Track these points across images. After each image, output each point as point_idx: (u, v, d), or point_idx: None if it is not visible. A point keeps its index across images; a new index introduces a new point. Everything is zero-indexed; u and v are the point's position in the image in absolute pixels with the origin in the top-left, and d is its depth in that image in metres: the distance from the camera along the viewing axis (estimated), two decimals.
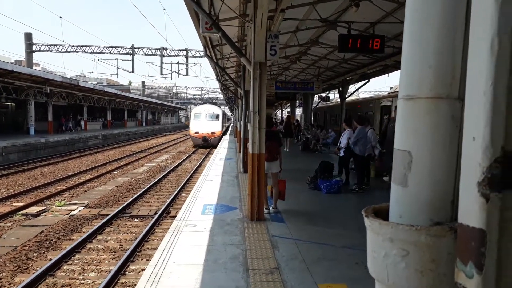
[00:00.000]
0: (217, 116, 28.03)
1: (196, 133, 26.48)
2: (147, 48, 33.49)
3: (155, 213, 8.56)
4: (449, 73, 0.67)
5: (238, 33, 9.03)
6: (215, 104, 34.24)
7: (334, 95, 40.62)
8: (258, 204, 6.03)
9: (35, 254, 6.24)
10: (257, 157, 5.95)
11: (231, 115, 51.58)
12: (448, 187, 0.68)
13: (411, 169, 0.70)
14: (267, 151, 6.12)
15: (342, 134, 9.22)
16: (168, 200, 9.67)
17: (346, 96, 18.93)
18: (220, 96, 52.20)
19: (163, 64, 33.78)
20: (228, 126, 51.22)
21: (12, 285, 5.22)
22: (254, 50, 5.74)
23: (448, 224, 0.66)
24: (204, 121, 27.14)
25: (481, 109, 0.56)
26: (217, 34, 5.92)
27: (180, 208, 7.13)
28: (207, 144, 25.65)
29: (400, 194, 0.73)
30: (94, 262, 5.97)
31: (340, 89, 18.90)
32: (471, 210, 0.57)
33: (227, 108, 52.94)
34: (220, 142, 24.56)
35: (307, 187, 8.76)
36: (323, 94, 25.08)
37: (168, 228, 5.92)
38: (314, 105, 25.64)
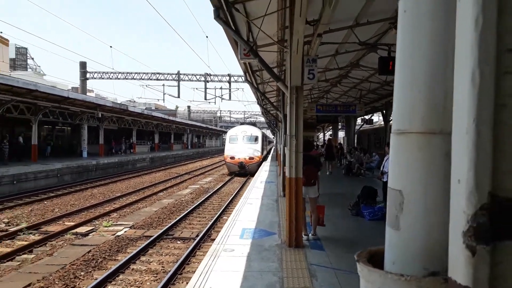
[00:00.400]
0: (256, 139, 24.34)
1: (231, 158, 22.61)
2: (192, 74, 34.80)
3: (197, 236, 8.64)
4: (441, 106, 0.61)
5: (277, 58, 9.19)
6: (254, 125, 29.99)
7: (378, 118, 39.62)
8: (296, 230, 5.91)
9: (82, 273, 6.50)
10: (295, 181, 5.88)
11: (273, 137, 51.27)
12: (443, 231, 0.59)
13: (403, 210, 0.63)
14: (304, 176, 6.02)
15: (385, 158, 8.90)
16: (210, 223, 9.75)
17: (390, 118, 18.39)
18: (262, 119, 52.62)
19: (207, 89, 34.86)
20: (270, 149, 48.62)
21: None
22: (291, 75, 5.81)
23: (443, 275, 0.58)
24: (241, 144, 23.44)
25: (464, 149, 0.48)
26: (255, 60, 6.06)
27: (220, 231, 7.18)
28: (244, 171, 21.96)
29: (393, 238, 0.65)
30: (137, 283, 6.09)
31: (384, 111, 18.43)
32: (458, 264, 0.49)
33: (269, 131, 52.96)
34: (261, 166, 22.74)
35: (349, 213, 8.48)
36: (366, 117, 24.46)
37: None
38: (357, 127, 25.11)
